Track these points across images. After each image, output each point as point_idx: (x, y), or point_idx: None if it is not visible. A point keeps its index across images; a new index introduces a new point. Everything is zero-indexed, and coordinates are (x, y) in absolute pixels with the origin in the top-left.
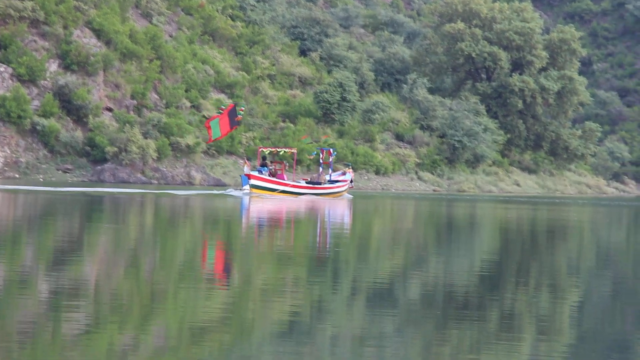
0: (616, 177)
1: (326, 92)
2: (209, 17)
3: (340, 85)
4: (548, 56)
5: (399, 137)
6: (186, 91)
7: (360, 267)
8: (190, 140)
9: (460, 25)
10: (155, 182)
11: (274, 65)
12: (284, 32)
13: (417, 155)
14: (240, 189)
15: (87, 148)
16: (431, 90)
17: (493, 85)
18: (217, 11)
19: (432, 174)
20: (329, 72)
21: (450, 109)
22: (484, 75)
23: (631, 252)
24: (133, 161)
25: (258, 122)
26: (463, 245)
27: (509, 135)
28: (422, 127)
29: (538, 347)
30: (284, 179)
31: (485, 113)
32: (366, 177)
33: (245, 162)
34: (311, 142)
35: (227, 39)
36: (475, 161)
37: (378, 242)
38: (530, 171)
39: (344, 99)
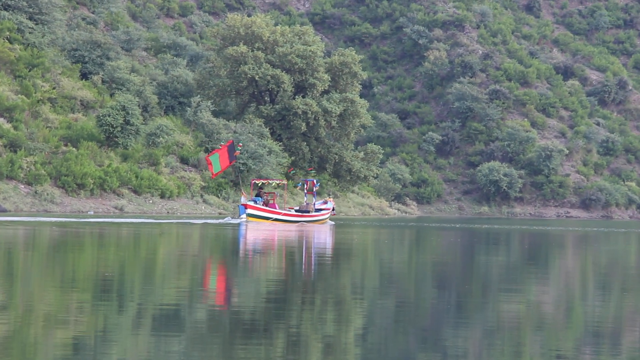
0: (398, 198)
1: (109, 116)
2: None
3: (123, 108)
4: (330, 79)
5: (184, 161)
6: None
7: (147, 290)
8: None
9: (243, 48)
10: None
11: (54, 88)
12: (65, 55)
13: (202, 178)
14: (238, 217)
15: None
16: (215, 113)
17: (277, 108)
18: None
19: (218, 197)
20: (112, 95)
21: (235, 132)
22: (267, 98)
23: (413, 272)
24: None
25: (39, 146)
26: (249, 269)
27: (293, 158)
28: (206, 150)
29: None
30: (275, 208)
31: (269, 136)
32: (151, 201)
33: (243, 193)
34: (295, 172)
35: (5, 62)
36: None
37: (163, 267)
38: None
39: (127, 122)
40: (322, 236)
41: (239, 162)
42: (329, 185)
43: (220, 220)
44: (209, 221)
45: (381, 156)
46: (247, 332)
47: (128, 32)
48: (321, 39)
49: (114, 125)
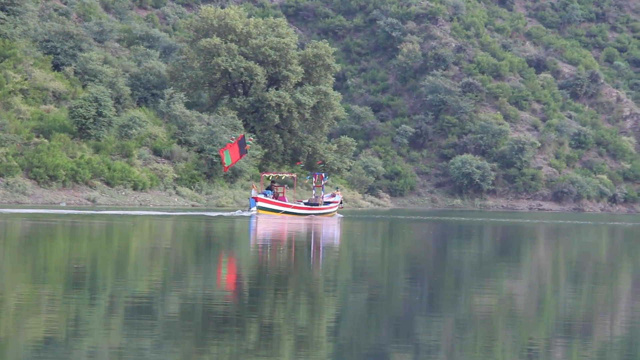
0: (371, 190)
1: (81, 107)
2: None
3: (96, 100)
4: (303, 71)
5: (157, 152)
6: None
7: (119, 283)
8: None
9: (216, 40)
10: None
11: (26, 79)
12: (36, 46)
13: (175, 170)
14: (249, 210)
15: None
16: (188, 105)
17: (250, 100)
18: None
19: (191, 189)
20: (84, 86)
21: (208, 124)
22: (240, 90)
23: (386, 264)
24: None
25: (11, 137)
26: (222, 261)
27: (266, 150)
28: (179, 142)
29: (297, 359)
30: (285, 201)
31: (242, 128)
32: (123, 193)
33: (253, 186)
34: (303, 166)
35: None
36: (233, 176)
37: (136, 259)
38: (289, 185)
39: (99, 114)
40: (330, 229)
41: (212, 154)
42: (302, 177)
43: (233, 213)
44: (223, 214)
45: (354, 148)
46: (219, 324)
47: (100, 23)
48: (294, 31)
49: (87, 117)
